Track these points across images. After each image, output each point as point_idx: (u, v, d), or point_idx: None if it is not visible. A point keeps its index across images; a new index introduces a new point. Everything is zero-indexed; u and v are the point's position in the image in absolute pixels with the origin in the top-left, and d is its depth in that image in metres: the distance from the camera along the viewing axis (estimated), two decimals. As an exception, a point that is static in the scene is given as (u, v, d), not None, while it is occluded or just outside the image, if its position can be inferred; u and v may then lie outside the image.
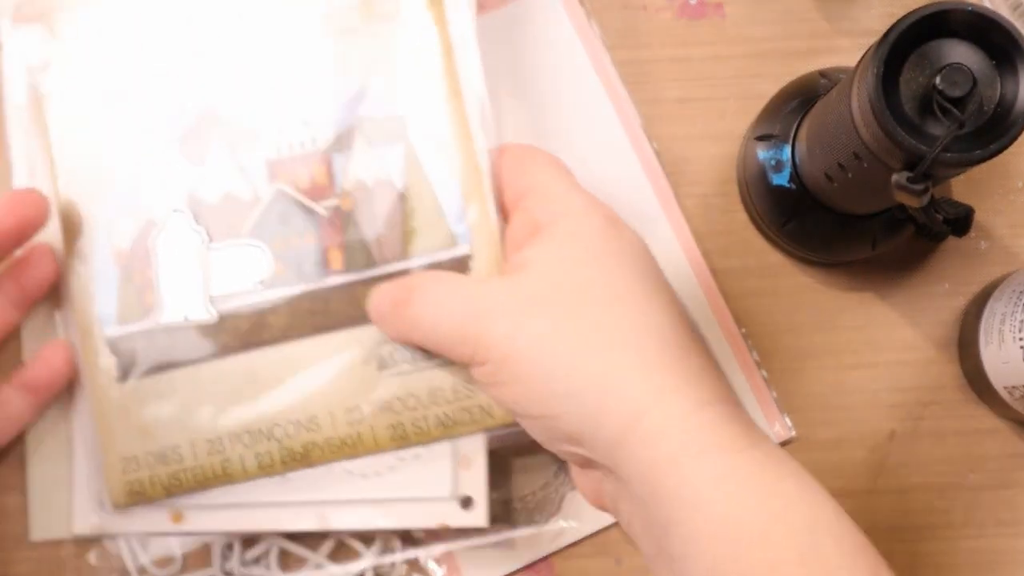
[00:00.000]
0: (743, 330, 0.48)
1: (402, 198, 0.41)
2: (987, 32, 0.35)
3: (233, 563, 0.46)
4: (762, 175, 0.46)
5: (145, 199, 0.41)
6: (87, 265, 0.42)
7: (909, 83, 0.36)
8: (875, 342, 0.49)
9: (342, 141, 0.41)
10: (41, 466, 0.46)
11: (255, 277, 0.41)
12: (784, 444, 0.48)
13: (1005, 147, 0.35)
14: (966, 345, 0.48)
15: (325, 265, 0.41)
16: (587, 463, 0.36)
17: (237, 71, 0.42)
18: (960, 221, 0.42)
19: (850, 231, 0.46)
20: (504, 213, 0.40)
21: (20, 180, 0.44)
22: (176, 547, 0.46)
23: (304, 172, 0.41)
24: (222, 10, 0.42)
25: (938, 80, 0.35)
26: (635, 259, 0.37)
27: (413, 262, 0.40)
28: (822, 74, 0.47)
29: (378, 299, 0.40)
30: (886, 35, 0.35)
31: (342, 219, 0.41)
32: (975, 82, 0.34)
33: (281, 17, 0.41)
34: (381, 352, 0.40)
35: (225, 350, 0.41)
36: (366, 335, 0.40)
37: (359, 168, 0.41)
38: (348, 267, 0.41)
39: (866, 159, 0.38)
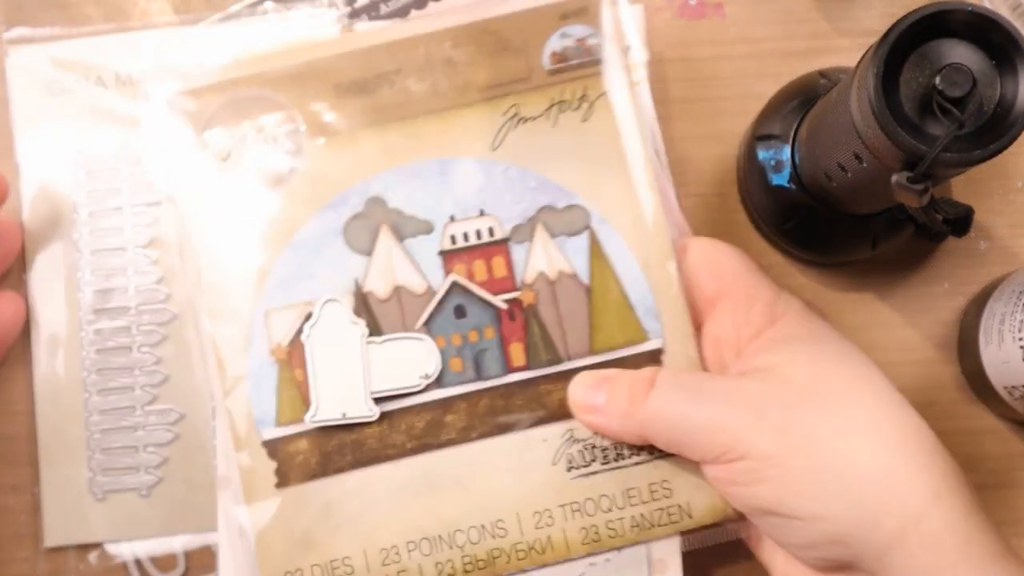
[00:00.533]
0: (743, 330, 0.48)
1: (587, 291, 0.39)
2: (987, 32, 0.35)
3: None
4: (762, 175, 0.46)
5: (305, 291, 0.39)
6: (244, 361, 0.39)
7: (909, 83, 0.36)
8: (875, 342, 0.49)
9: (522, 232, 0.40)
10: (53, 471, 0.46)
11: (422, 372, 0.39)
12: (784, 444, 0.48)
13: (1005, 147, 0.35)
14: (966, 345, 0.48)
15: (506, 361, 0.39)
16: (832, 566, 0.35)
17: (406, 157, 0.40)
18: (960, 221, 0.42)
19: (850, 231, 0.46)
20: (695, 311, 0.39)
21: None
22: (178, 547, 0.46)
23: (482, 264, 0.40)
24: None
25: (938, 80, 0.35)
26: (864, 354, 0.37)
27: (601, 358, 0.39)
28: (822, 74, 0.47)
29: (603, 394, 0.38)
30: (886, 35, 0.35)
31: (524, 313, 0.39)
32: (975, 82, 0.34)
33: (458, 108, 0.40)
34: (570, 451, 0.39)
35: (399, 452, 0.39)
36: (552, 433, 0.39)
37: (540, 260, 0.40)
38: (531, 363, 0.39)
39: (866, 159, 0.38)
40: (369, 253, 0.39)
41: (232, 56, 0.41)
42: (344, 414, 0.38)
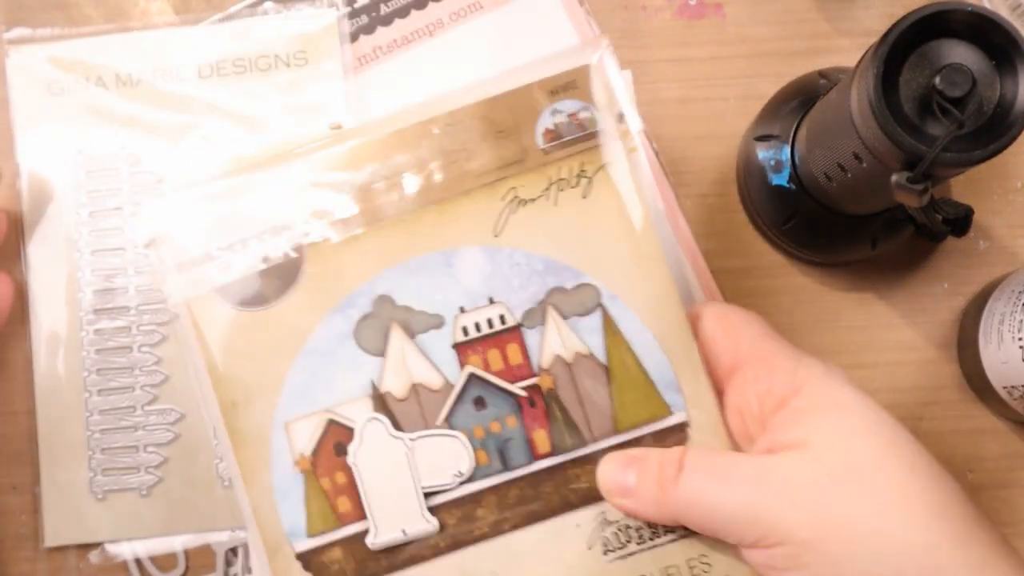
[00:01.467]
0: (743, 330, 0.48)
1: (606, 370, 0.39)
2: (987, 32, 0.35)
3: (237, 568, 0.46)
4: (762, 175, 0.46)
5: (322, 397, 0.39)
6: (267, 475, 0.39)
7: (909, 83, 0.36)
8: (875, 342, 0.49)
9: (534, 317, 0.39)
10: (53, 471, 0.46)
11: (455, 469, 0.38)
12: (784, 444, 0.48)
13: (1005, 147, 0.35)
14: (966, 345, 0.48)
15: (531, 449, 0.39)
16: None
17: (409, 253, 0.39)
18: (960, 221, 0.42)
19: (850, 231, 0.46)
20: (716, 382, 0.39)
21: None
22: (178, 547, 0.46)
23: (496, 353, 0.39)
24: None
25: (938, 80, 0.35)
26: (893, 419, 0.36)
27: (626, 436, 0.38)
28: (822, 74, 0.47)
29: (632, 475, 0.37)
30: (886, 35, 0.35)
31: (544, 399, 0.39)
32: (975, 82, 0.34)
33: (456, 197, 0.39)
34: (604, 534, 0.38)
35: (433, 552, 0.38)
36: (585, 518, 0.38)
37: (555, 343, 0.39)
38: (556, 449, 0.39)
39: (866, 159, 0.38)
40: (382, 353, 0.39)
41: (220, 166, 0.40)
42: (405, 532, 0.38)
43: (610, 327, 0.39)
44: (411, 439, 0.39)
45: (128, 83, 0.48)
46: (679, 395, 0.39)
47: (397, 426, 0.39)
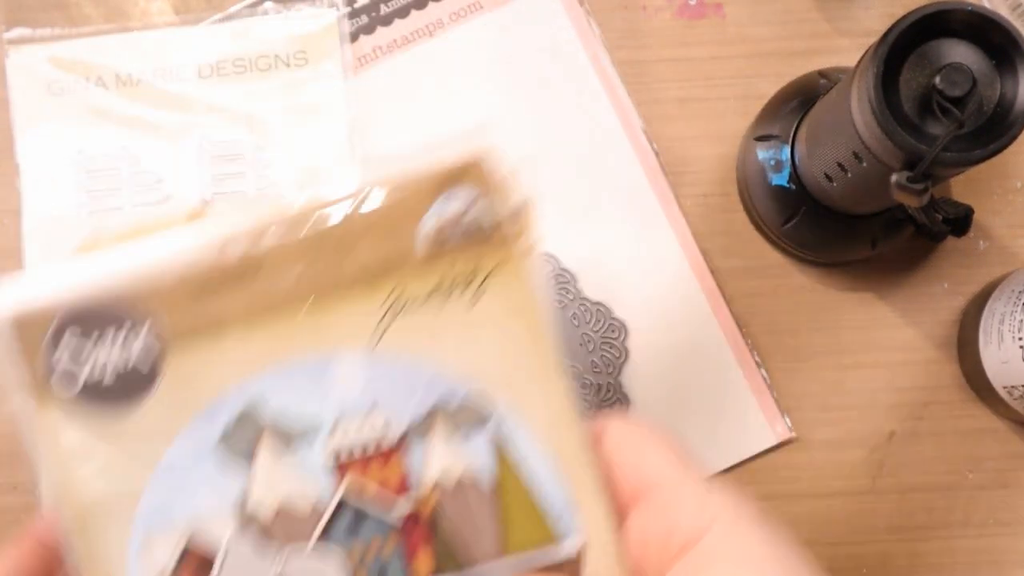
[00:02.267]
0: (743, 330, 0.48)
1: (493, 494, 0.36)
2: (987, 32, 0.35)
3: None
4: (762, 175, 0.46)
5: (182, 515, 0.35)
6: None
7: (909, 83, 0.36)
8: (875, 342, 0.49)
9: (417, 433, 0.36)
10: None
11: None
12: (784, 444, 0.48)
13: (1005, 147, 0.35)
14: (965, 345, 0.48)
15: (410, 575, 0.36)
16: None
17: (282, 356, 0.36)
18: (960, 221, 0.42)
19: (850, 231, 0.46)
20: (618, 507, 0.36)
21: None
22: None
23: (374, 472, 0.36)
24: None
25: (938, 80, 0.35)
26: (805, 564, 0.33)
27: (512, 565, 0.35)
28: (822, 74, 0.47)
29: None
30: (886, 35, 0.35)
31: (424, 524, 0.36)
32: (975, 82, 0.34)
33: (334, 297, 0.36)
34: None
35: None
36: None
37: (439, 462, 0.36)
38: (438, 574, 0.36)
39: (866, 159, 0.38)
40: (248, 468, 0.36)
41: (72, 250, 0.37)
42: None
43: (500, 446, 0.36)
44: (277, 564, 0.35)
45: (128, 83, 0.48)
46: (573, 523, 0.36)
47: (263, 549, 0.35)
